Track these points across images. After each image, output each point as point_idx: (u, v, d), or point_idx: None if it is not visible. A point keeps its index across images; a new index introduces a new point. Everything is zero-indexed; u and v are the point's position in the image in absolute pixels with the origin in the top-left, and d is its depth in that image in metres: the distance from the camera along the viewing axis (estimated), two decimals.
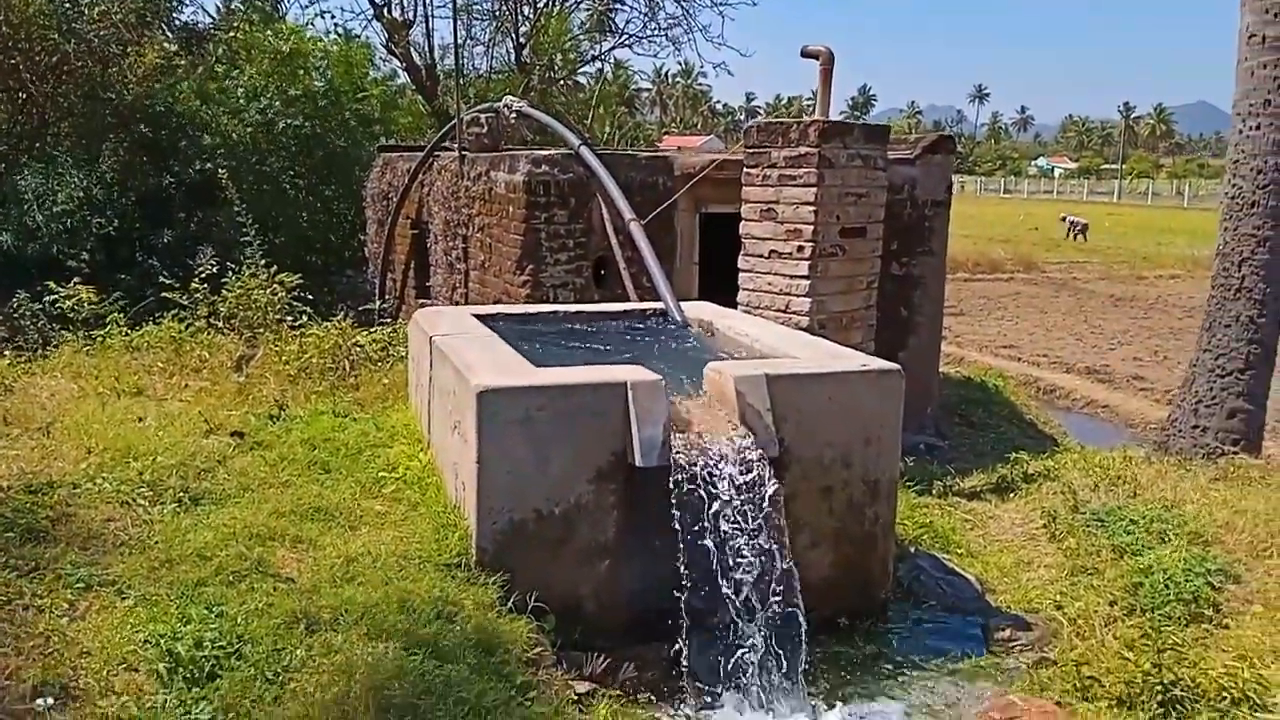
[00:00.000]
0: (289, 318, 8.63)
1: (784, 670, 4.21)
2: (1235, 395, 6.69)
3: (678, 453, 4.25)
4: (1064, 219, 38.52)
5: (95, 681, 3.19)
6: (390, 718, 3.22)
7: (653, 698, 4.15)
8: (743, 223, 6.82)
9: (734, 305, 6.89)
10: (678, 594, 4.18)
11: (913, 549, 5.45)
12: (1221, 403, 6.71)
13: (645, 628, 4.36)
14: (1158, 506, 5.62)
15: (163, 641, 3.40)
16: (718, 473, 4.22)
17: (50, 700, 3.06)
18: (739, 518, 4.24)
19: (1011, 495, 6.35)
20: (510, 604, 4.11)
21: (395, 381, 7.28)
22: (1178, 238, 35.29)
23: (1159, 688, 3.93)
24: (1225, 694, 3.90)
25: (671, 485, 4.21)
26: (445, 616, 3.90)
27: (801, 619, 4.24)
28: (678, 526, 4.19)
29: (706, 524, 4.20)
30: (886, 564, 4.90)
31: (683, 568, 4.19)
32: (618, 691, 4.12)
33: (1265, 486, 6.22)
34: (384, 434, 5.88)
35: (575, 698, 3.83)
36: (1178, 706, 3.87)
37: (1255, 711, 3.81)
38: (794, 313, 6.41)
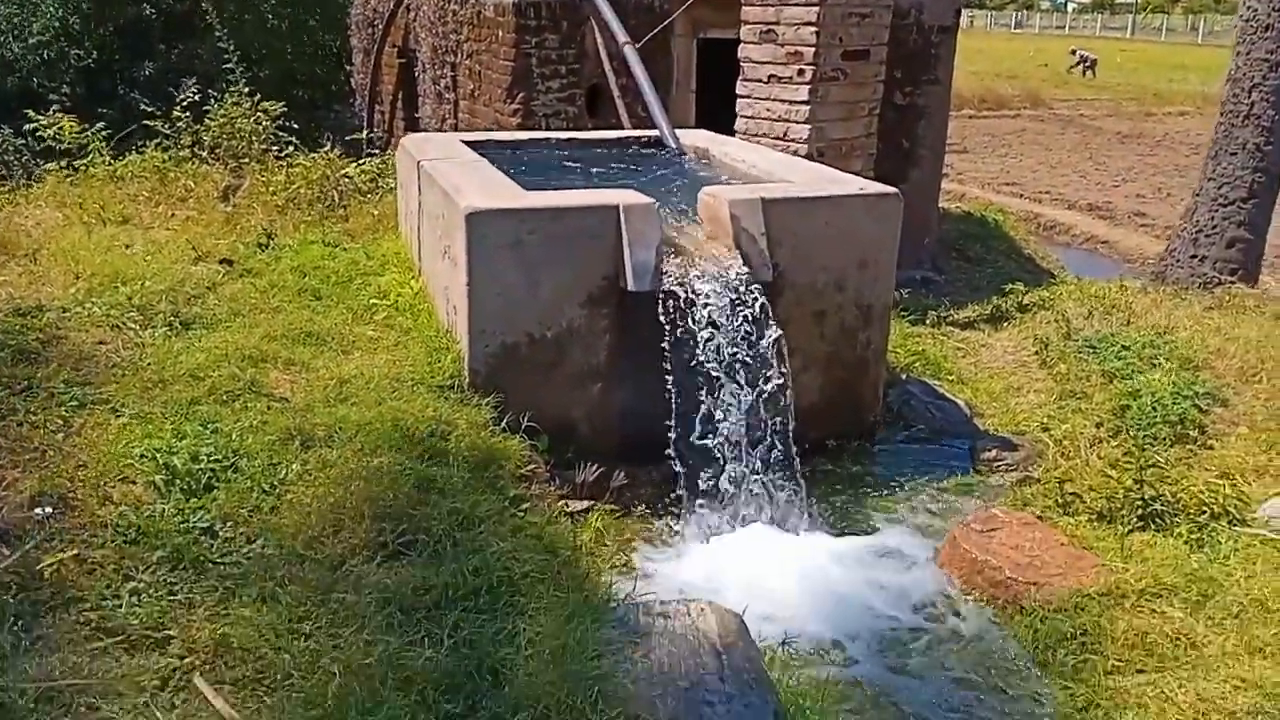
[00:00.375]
0: (275, 148, 8.45)
1: (775, 488, 4.29)
2: (1236, 224, 6.61)
3: (670, 277, 4.21)
4: (1073, 52, 37.39)
5: (92, 492, 3.24)
6: (385, 526, 3.29)
7: (646, 511, 4.25)
8: (741, 45, 6.58)
9: (732, 134, 6.73)
10: (670, 418, 4.22)
11: (904, 376, 5.48)
12: (1222, 232, 6.64)
13: (638, 450, 4.42)
14: (1150, 333, 5.63)
15: (159, 455, 3.44)
16: (711, 298, 4.19)
17: (48, 510, 3.11)
18: (732, 343, 4.24)
19: (1005, 325, 6.36)
20: (504, 424, 4.15)
21: (385, 212, 7.17)
22: (1190, 74, 34.35)
23: (1139, 503, 4.02)
24: (1205, 508, 3.99)
25: (663, 310, 4.19)
26: (439, 434, 3.94)
27: (801, 441, 4.29)
28: (669, 351, 4.20)
29: (699, 349, 4.21)
30: (877, 388, 4.94)
31: (673, 392, 4.21)
32: (612, 506, 4.21)
33: (1259, 315, 6.22)
34: (374, 262, 5.83)
35: (567, 510, 3.90)
36: (1156, 520, 3.96)
37: (1233, 525, 3.90)
38: (792, 140, 6.26)
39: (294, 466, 3.60)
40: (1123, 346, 5.46)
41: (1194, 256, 6.77)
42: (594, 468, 4.15)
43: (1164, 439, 4.68)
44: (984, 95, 26.63)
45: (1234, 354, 5.47)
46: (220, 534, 3.24)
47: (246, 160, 8.35)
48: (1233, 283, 6.58)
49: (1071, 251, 12.11)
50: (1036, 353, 5.73)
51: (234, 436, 3.73)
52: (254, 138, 8.59)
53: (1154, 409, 4.85)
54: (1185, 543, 3.79)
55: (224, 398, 4.06)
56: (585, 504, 4.21)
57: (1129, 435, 4.78)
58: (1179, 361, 5.27)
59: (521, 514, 3.57)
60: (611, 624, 2.95)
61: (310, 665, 2.64)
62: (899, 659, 3.37)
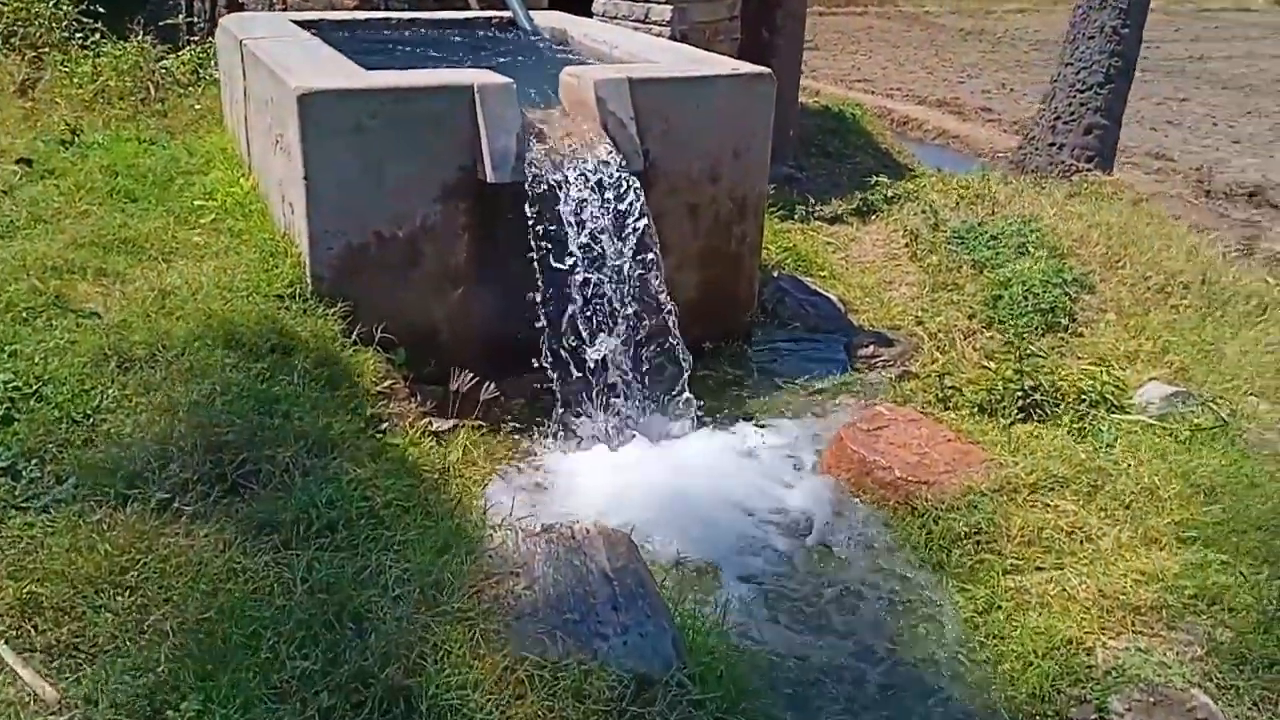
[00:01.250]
0: (79, 36, 7.53)
1: (653, 395, 4.04)
2: (1093, 111, 6.62)
3: (534, 167, 3.84)
4: None
5: None
6: (222, 456, 2.88)
7: (518, 425, 3.94)
8: None
9: (589, 17, 6.28)
10: (539, 323, 3.90)
11: (775, 273, 5.28)
12: (1079, 118, 6.65)
13: (505, 358, 4.10)
14: (1016, 222, 5.58)
15: None
16: (580, 189, 3.84)
17: None
18: (603, 239, 3.92)
19: (873, 218, 6.22)
20: (354, 336, 3.75)
21: (209, 107, 6.48)
22: None
23: (1019, 394, 3.94)
24: (1084, 397, 3.94)
25: (528, 204, 3.82)
26: (280, 350, 3.51)
27: (677, 344, 4.03)
28: (535, 249, 3.85)
29: (568, 246, 3.87)
30: (753, 286, 4.72)
31: (541, 294, 3.88)
32: (479, 423, 3.88)
33: (1117, 201, 6.28)
34: (198, 159, 5.23)
35: (434, 431, 3.56)
36: (1038, 410, 3.89)
37: (1112, 412, 3.86)
38: (654, 22, 5.87)
39: (110, 392, 3.14)
40: (991, 236, 5.39)
41: (1052, 144, 6.76)
42: (469, 376, 3.79)
43: (1036, 328, 4.64)
44: None
45: (1097, 240, 5.47)
46: (23, 474, 2.79)
47: (46, 50, 7.42)
48: (1090, 170, 6.61)
49: (925, 147, 12.14)
50: (906, 245, 5.62)
51: (37, 360, 3.24)
52: (54, 24, 7.64)
53: (1025, 298, 4.80)
54: (1068, 432, 3.73)
55: (23, 315, 3.54)
56: (450, 423, 3.87)
57: (1002, 325, 4.73)
58: (1046, 250, 5.22)
59: (380, 435, 3.22)
60: (488, 554, 2.66)
61: (137, 625, 2.27)
62: (792, 572, 3.20)
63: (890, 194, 6.53)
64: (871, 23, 23.91)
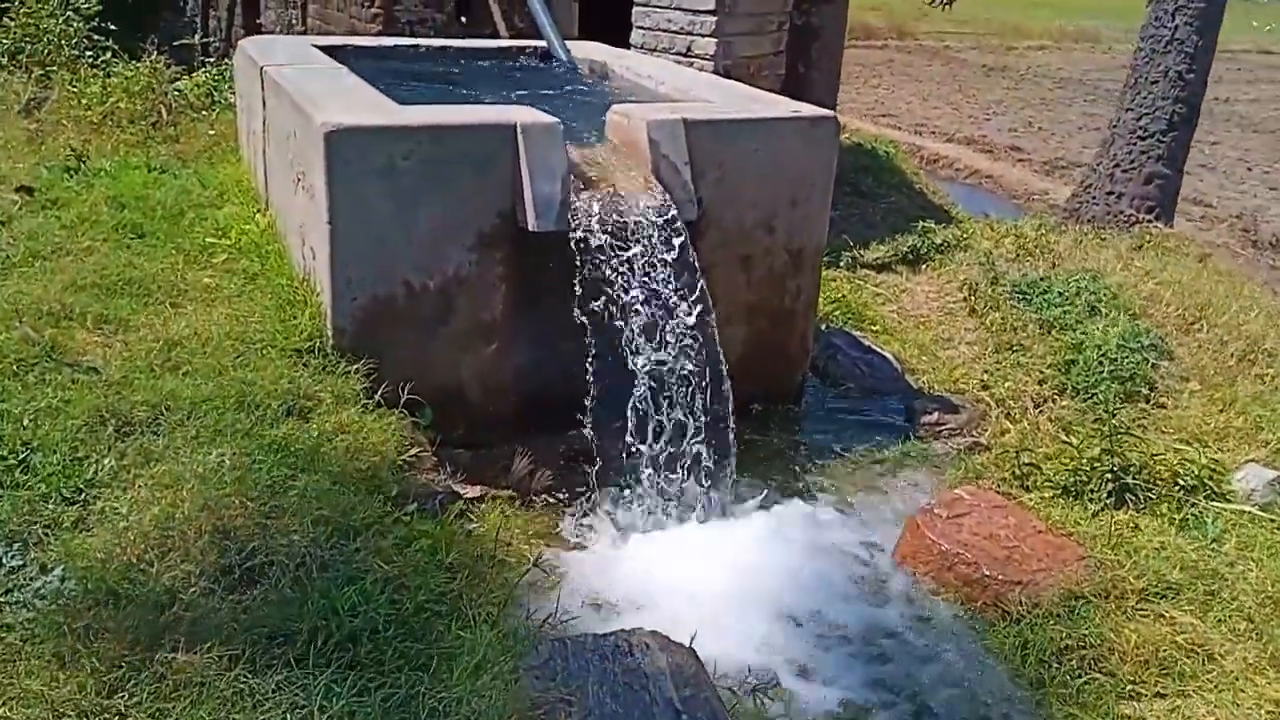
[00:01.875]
0: (89, 55, 7.24)
1: (704, 466, 3.67)
2: (1155, 159, 6.28)
3: (580, 214, 3.49)
4: None
5: None
6: (230, 544, 2.52)
7: (551, 499, 3.57)
8: None
9: (625, 47, 5.97)
10: (587, 378, 3.53)
11: (824, 326, 4.92)
12: (1140, 167, 6.31)
13: (540, 419, 3.75)
14: (1080, 278, 5.22)
15: None
16: (628, 240, 3.49)
17: None
18: (654, 292, 3.56)
19: (923, 267, 5.87)
20: (378, 397, 3.39)
21: (224, 132, 6.16)
22: (1041, 10, 34.91)
23: (1108, 475, 3.57)
24: (1179, 480, 3.57)
25: (573, 254, 3.47)
26: (297, 413, 3.16)
27: (729, 407, 3.67)
28: (580, 304, 3.49)
29: (615, 300, 3.51)
30: (806, 343, 4.36)
31: (590, 349, 3.53)
32: (511, 493, 3.52)
33: (1182, 256, 5.92)
34: (211, 191, 4.89)
35: (461, 507, 3.19)
36: (1130, 495, 3.52)
37: (1211, 500, 3.49)
38: (696, 55, 5.55)
39: (106, 462, 2.80)
40: (1058, 293, 5.03)
41: (1110, 193, 6.43)
42: (525, 463, 3.44)
43: (1114, 398, 4.27)
44: (852, 25, 26.25)
45: (1168, 300, 5.12)
46: (3, 561, 2.43)
47: (54, 68, 7.14)
48: (1150, 221, 6.27)
49: (957, 186, 11.83)
50: (964, 299, 5.26)
51: (25, 423, 2.90)
52: (63, 41, 7.37)
53: (1100, 364, 4.43)
54: (1169, 523, 3.36)
55: (14, 369, 3.18)
56: (477, 489, 3.51)
57: (1076, 394, 4.37)
58: (1118, 310, 4.87)
59: (407, 519, 2.84)
60: (535, 672, 2.29)
61: None
62: (872, 689, 2.81)
63: (938, 241, 6.18)
64: (892, 56, 23.72)
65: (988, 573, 3.07)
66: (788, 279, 4.16)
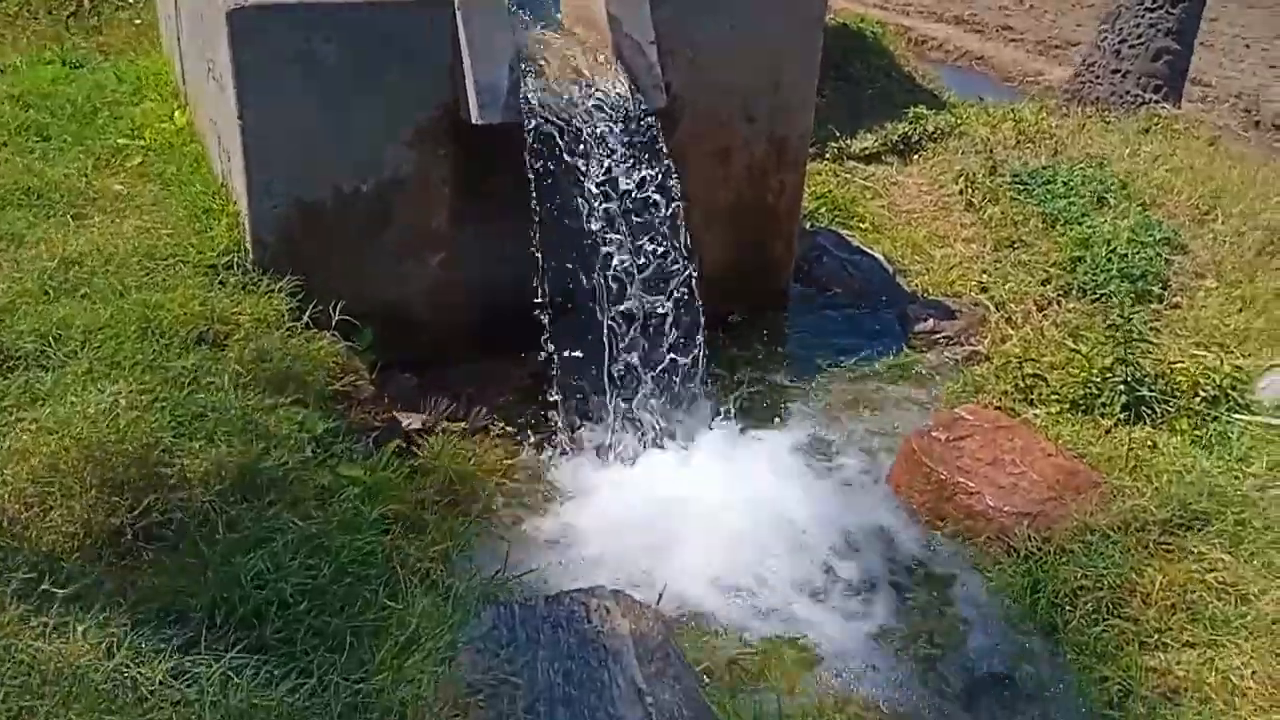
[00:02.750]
0: None
1: (679, 386, 3.32)
2: (1164, 33, 5.80)
3: (532, 104, 3.05)
4: None
5: None
6: (120, 500, 2.16)
7: (510, 427, 3.22)
8: None
9: None
10: (545, 289, 3.15)
11: (809, 225, 4.52)
12: (1148, 41, 5.83)
13: (498, 336, 3.38)
14: (1085, 166, 4.82)
15: None
16: (590, 132, 3.07)
17: None
18: (618, 193, 3.16)
19: (914, 157, 5.43)
20: (306, 318, 2.99)
21: (151, 20, 5.61)
22: None
23: (1121, 387, 3.24)
24: (1198, 391, 3.24)
25: (527, 149, 3.05)
26: (210, 341, 2.77)
27: (700, 317, 3.31)
28: (536, 205, 3.09)
29: (577, 200, 3.11)
30: (791, 245, 3.97)
31: (542, 258, 3.14)
32: (464, 424, 3.17)
33: (1193, 140, 5.50)
34: (127, 87, 4.40)
35: (402, 444, 2.83)
36: (1147, 409, 3.19)
37: (1235, 411, 3.17)
38: None
39: None
40: (1063, 182, 4.62)
41: (1116, 71, 5.96)
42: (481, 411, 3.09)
43: (1125, 298, 3.91)
44: None
45: (1180, 189, 4.72)
46: None
47: None
48: (1158, 101, 5.84)
49: (947, 69, 11.24)
50: (960, 192, 4.84)
51: None
52: None
53: (1109, 261, 4.06)
54: (1190, 440, 3.04)
55: None
56: (421, 419, 3.15)
57: (1083, 294, 4.01)
58: (1128, 201, 4.47)
59: (334, 460, 2.48)
60: (476, 645, 1.96)
61: None
62: (866, 642, 2.50)
63: (931, 128, 5.73)
64: None
65: (992, 504, 2.75)
66: (770, 174, 3.75)
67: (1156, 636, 2.36)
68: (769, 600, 2.57)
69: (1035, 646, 2.49)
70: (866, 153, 5.57)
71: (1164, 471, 2.83)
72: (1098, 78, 6.01)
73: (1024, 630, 2.53)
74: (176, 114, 3.94)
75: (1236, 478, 2.79)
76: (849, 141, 5.72)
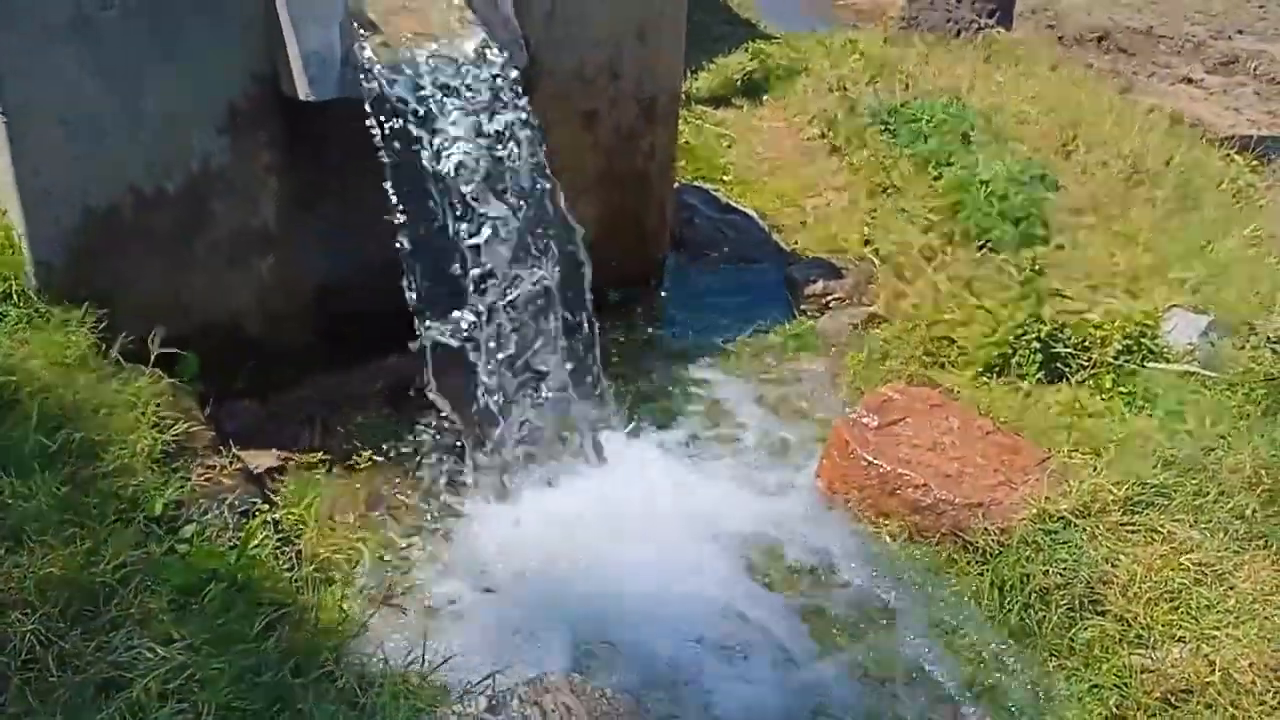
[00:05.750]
0: None
1: (564, 390, 2.91)
2: None
3: (372, 73, 2.54)
4: None
5: None
6: None
7: (377, 456, 2.74)
8: None
9: None
10: (408, 290, 2.67)
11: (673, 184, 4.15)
12: None
13: (348, 345, 2.89)
14: (945, 101, 4.63)
15: None
16: (446, 101, 2.58)
17: None
18: (479, 167, 2.70)
19: (764, 98, 5.14)
20: (116, 352, 2.42)
21: None
22: None
23: (1036, 345, 3.07)
24: (1107, 341, 3.10)
25: (372, 126, 2.54)
26: None
27: (588, 300, 2.91)
28: (392, 190, 2.59)
29: (432, 182, 2.63)
30: (665, 212, 3.60)
31: (405, 248, 2.65)
32: (320, 455, 2.69)
33: (1034, 64, 5.43)
34: None
35: (247, 498, 2.31)
36: (1064, 365, 3.04)
37: (1149, 359, 3.05)
38: None
39: None
40: (926, 120, 4.42)
41: None
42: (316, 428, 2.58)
43: (1009, 242, 3.76)
44: None
45: (1038, 120, 4.62)
46: None
47: None
48: (992, 26, 5.75)
49: None
50: (821, 135, 4.59)
51: None
52: None
53: (990, 203, 3.89)
54: (1116, 398, 2.89)
55: None
56: (273, 456, 2.65)
57: (967, 241, 3.82)
58: (992, 137, 4.32)
59: (185, 549, 1.97)
60: None
61: None
62: (820, 665, 2.22)
63: (774, 65, 5.45)
64: None
65: (942, 496, 2.51)
66: (640, 136, 3.35)
67: (1143, 633, 2.18)
68: (708, 632, 2.25)
69: (1010, 653, 2.27)
70: (711, 94, 5.25)
71: (1106, 440, 2.66)
72: (932, 4, 5.87)
73: (996, 635, 2.32)
74: None
75: (1180, 439, 2.65)
76: (687, 81, 5.36)
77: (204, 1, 2.44)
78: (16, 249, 2.49)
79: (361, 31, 2.61)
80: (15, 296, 2.45)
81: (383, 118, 2.55)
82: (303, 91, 2.53)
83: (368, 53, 2.58)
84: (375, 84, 2.55)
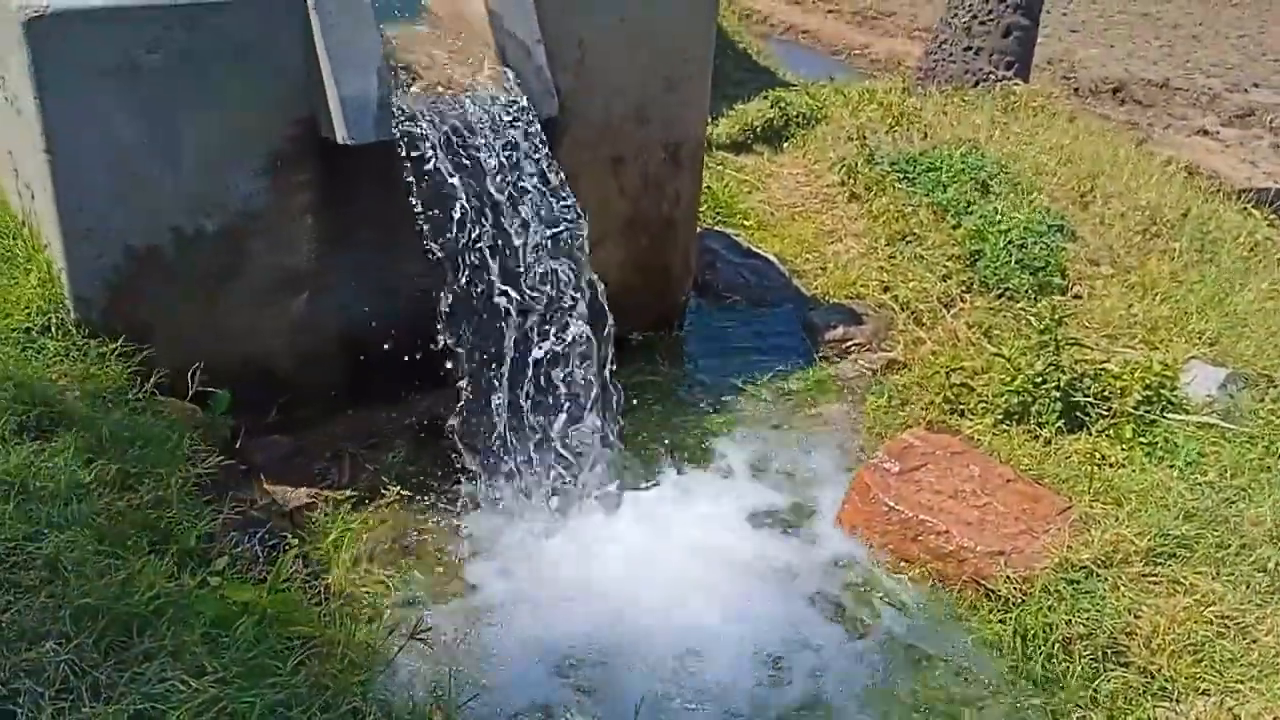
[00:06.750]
0: None
1: (586, 423, 2.95)
2: (1013, 9, 5.78)
3: (409, 117, 2.60)
4: None
5: None
6: None
7: (404, 492, 2.78)
8: None
9: None
10: (440, 332, 2.72)
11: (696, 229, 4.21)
12: (999, 18, 5.80)
13: (377, 383, 2.94)
14: (963, 150, 4.69)
15: None
16: (478, 147, 2.64)
17: None
18: (516, 211, 2.75)
19: (784, 145, 5.21)
20: (152, 386, 2.47)
21: None
22: None
23: (1056, 394, 3.09)
24: (1126, 391, 3.12)
25: (407, 171, 2.60)
26: (36, 430, 2.22)
27: (610, 346, 2.95)
28: (429, 231, 2.65)
29: (468, 225, 2.68)
30: (689, 258, 3.65)
31: (445, 294, 2.70)
32: (349, 492, 2.72)
33: (1053, 117, 5.49)
34: None
35: (277, 532, 2.35)
36: (1083, 414, 3.05)
37: (1169, 409, 3.06)
38: None
39: None
40: (944, 170, 4.48)
41: (968, 48, 5.91)
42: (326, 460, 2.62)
43: (1028, 291, 3.80)
44: None
45: (1056, 170, 4.67)
46: None
47: None
48: (1010, 78, 5.82)
49: (774, 42, 11.18)
50: (841, 182, 4.64)
51: None
52: None
53: (1008, 252, 3.93)
54: (1137, 449, 2.91)
55: None
56: (304, 494, 2.68)
57: (986, 289, 3.87)
58: (1010, 187, 4.37)
59: (217, 582, 2.00)
60: None
61: None
62: (850, 707, 2.23)
63: (795, 113, 5.52)
64: None
65: (964, 543, 2.52)
66: (666, 182, 3.41)
67: (1165, 685, 2.19)
68: (734, 683, 2.26)
69: (1035, 706, 2.27)
70: (733, 140, 5.32)
71: (1128, 490, 2.67)
72: (950, 56, 5.95)
73: (1019, 685, 2.32)
74: None
75: (1201, 491, 2.66)
76: (710, 129, 5.44)
77: (247, 49, 2.51)
78: (57, 283, 2.55)
79: (398, 77, 2.68)
80: (55, 330, 2.51)
81: (416, 161, 2.62)
82: (341, 135, 2.60)
83: (405, 99, 2.65)
84: (411, 128, 2.61)
